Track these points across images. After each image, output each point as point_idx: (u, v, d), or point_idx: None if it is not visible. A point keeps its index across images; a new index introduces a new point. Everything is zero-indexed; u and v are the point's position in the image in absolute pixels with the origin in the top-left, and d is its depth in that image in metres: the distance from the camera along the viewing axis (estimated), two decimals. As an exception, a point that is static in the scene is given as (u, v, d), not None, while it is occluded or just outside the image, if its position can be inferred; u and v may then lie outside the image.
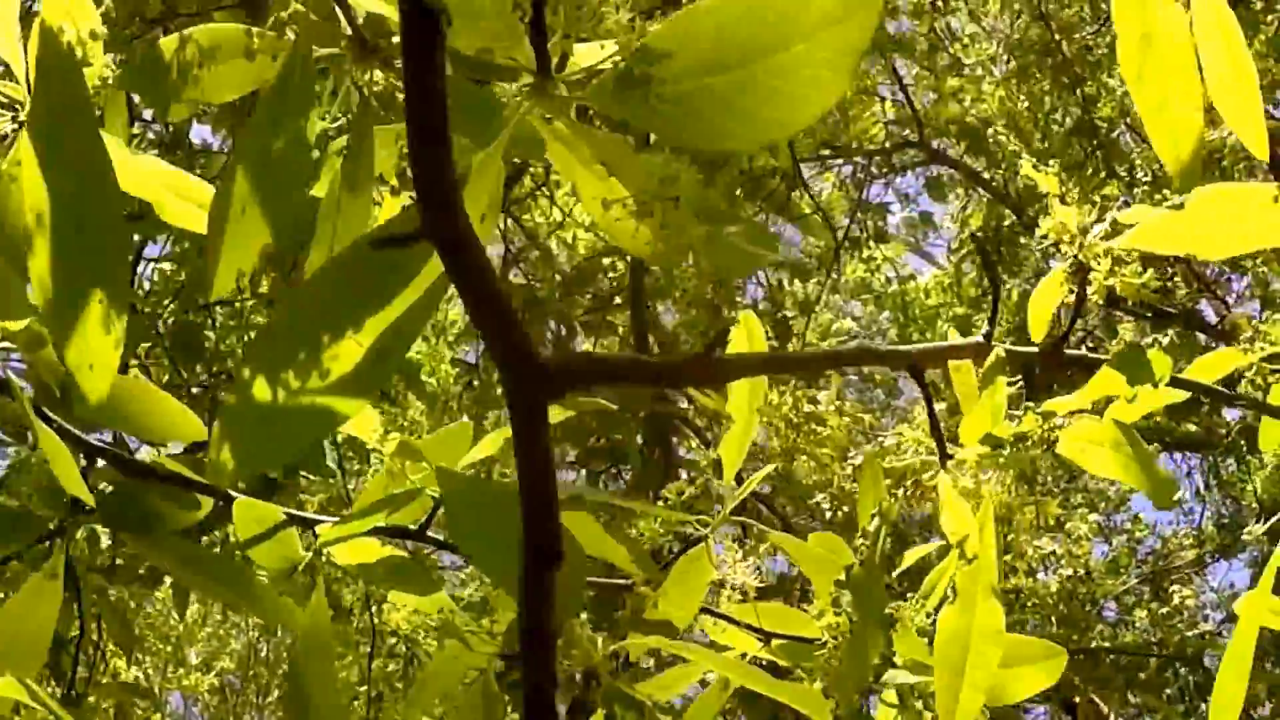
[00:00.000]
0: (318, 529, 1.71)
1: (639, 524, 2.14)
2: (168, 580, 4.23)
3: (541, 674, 1.20)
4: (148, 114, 4.70)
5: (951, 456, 1.57)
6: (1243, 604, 1.54)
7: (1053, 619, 6.86)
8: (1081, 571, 6.70)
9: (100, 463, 1.80)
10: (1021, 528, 1.80)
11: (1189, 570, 8.02)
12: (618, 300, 5.05)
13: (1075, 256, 1.59)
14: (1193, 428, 8.04)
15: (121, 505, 1.75)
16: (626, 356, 1.30)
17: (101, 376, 1.25)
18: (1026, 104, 6.43)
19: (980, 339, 1.61)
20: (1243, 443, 7.41)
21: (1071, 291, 1.63)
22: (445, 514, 1.27)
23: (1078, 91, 6.13)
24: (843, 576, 1.52)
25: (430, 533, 1.77)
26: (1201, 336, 7.15)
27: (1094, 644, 7.21)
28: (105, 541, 4.47)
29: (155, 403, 1.80)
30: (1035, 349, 1.66)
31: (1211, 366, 1.85)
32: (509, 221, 5.74)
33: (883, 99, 6.92)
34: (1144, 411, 1.78)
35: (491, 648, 1.76)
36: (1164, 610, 7.28)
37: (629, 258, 5.16)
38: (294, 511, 1.75)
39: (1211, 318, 7.24)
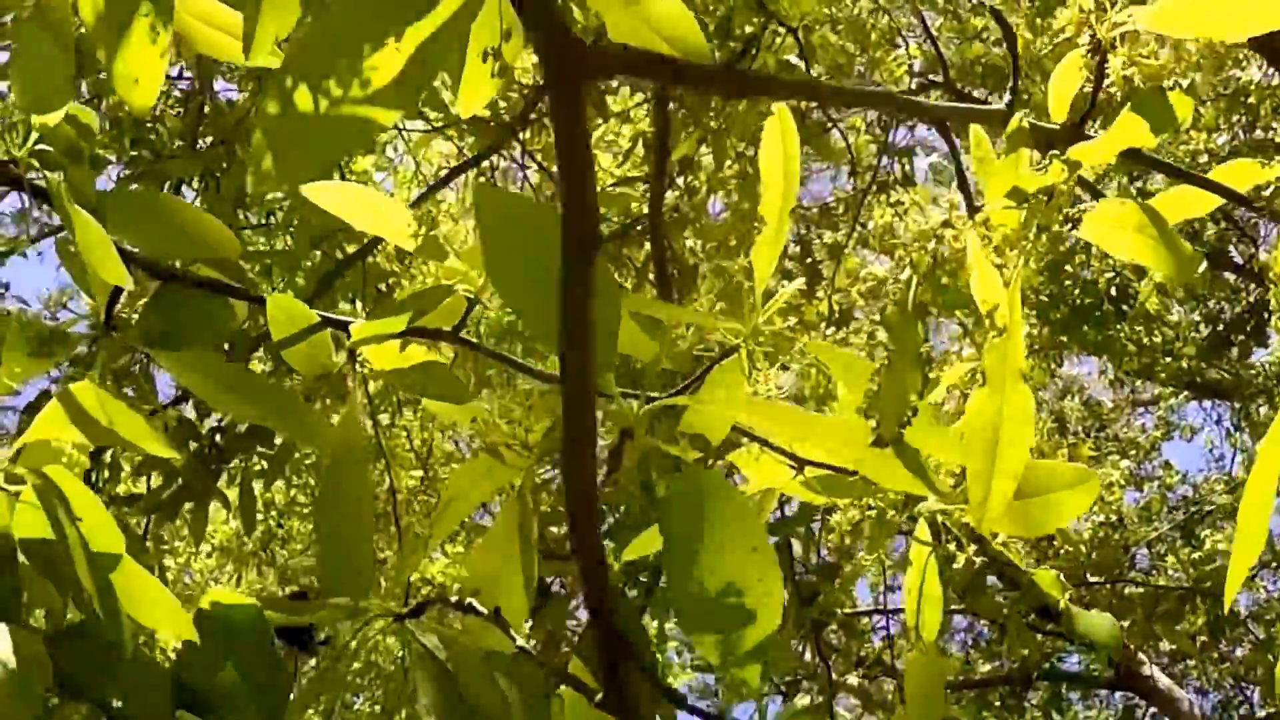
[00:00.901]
0: (351, 328, 1.71)
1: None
2: (187, 506, 4.24)
3: (583, 388, 1.19)
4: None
5: (979, 209, 1.57)
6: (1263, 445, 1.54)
7: (1085, 565, 6.84)
8: (1114, 518, 6.71)
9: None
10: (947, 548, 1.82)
11: (1220, 518, 8.00)
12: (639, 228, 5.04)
13: (1093, 35, 1.58)
14: (1220, 375, 8.03)
15: (155, 317, 1.75)
16: (656, 53, 1.29)
17: (146, 89, 1.27)
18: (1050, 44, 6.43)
19: (1004, 106, 1.60)
20: (1274, 384, 7.39)
21: (1090, 77, 1.62)
22: (480, 238, 1.26)
23: None
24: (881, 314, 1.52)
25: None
26: (1230, 276, 7.13)
27: (1126, 590, 7.19)
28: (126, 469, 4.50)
29: (190, 217, 1.81)
30: (1056, 127, 1.65)
31: (1232, 175, 1.83)
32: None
33: (907, 43, 6.91)
34: (1177, 218, 1.77)
35: (525, 460, 1.76)
36: (1196, 555, 7.25)
37: (646, 188, 5.14)
38: (328, 314, 1.75)
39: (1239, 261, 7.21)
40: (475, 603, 1.61)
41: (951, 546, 1.93)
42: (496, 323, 1.88)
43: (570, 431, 1.23)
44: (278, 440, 4.00)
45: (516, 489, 1.82)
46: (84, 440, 1.36)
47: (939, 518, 1.91)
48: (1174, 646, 7.40)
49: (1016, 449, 1.63)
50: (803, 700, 5.43)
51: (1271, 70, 6.13)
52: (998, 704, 7.34)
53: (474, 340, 1.79)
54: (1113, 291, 6.67)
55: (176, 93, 5.45)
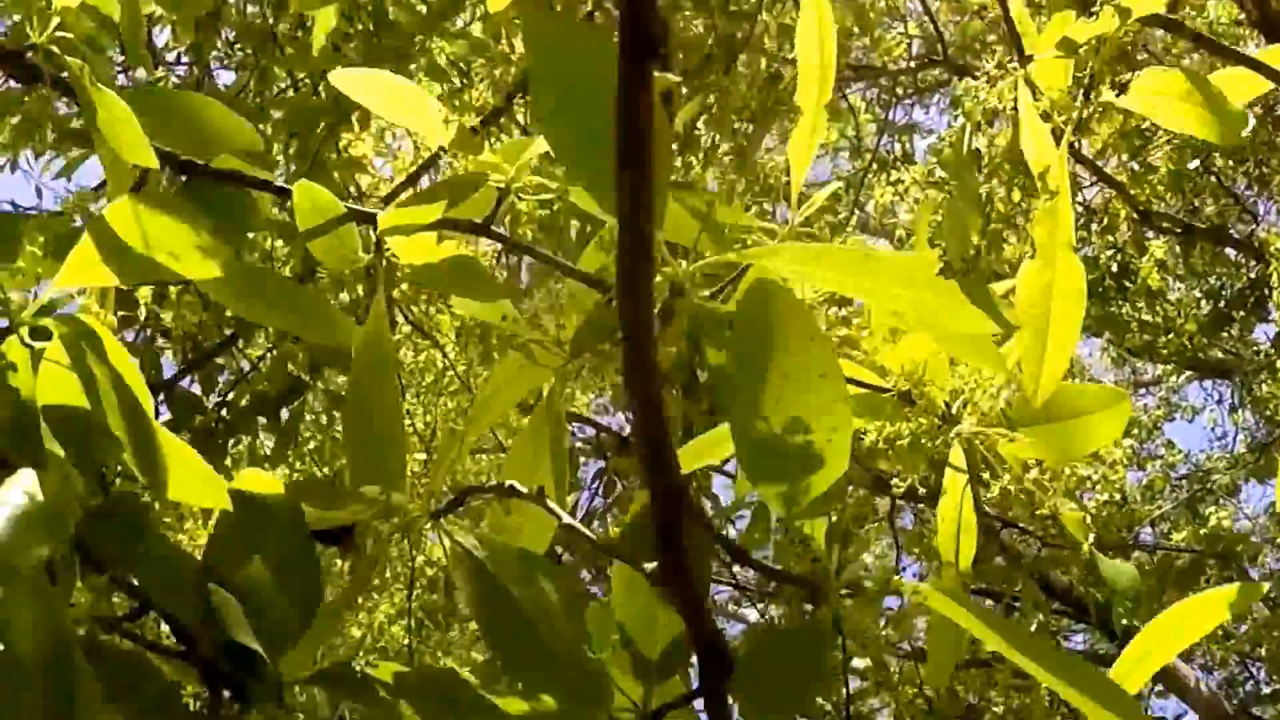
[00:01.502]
0: (379, 217, 1.67)
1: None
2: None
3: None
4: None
5: (1030, 58, 1.53)
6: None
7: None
8: (1117, 497, 6.65)
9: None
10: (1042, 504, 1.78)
11: (1222, 495, 7.99)
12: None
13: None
14: (1222, 355, 8.01)
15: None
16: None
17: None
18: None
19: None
20: (1276, 359, 7.37)
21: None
22: (528, 68, 1.21)
23: None
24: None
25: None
26: (1231, 252, 7.12)
27: (1135, 558, 7.16)
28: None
29: (213, 113, 1.78)
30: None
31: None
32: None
33: (906, 21, 6.89)
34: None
35: (558, 359, 1.72)
36: (1202, 532, 7.22)
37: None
38: (355, 206, 1.71)
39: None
40: (516, 484, 1.57)
41: (986, 475, 1.90)
42: (529, 215, 1.84)
43: (626, 258, 1.17)
44: (284, 414, 3.97)
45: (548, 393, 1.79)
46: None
47: (976, 441, 1.87)
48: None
49: (1069, 323, 1.61)
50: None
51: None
52: (1004, 683, 7.29)
53: (504, 234, 1.74)
54: (1113, 268, 6.65)
55: (174, 78, 5.41)
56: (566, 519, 1.53)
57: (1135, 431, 8.08)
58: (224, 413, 4.35)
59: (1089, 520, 1.88)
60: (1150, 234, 6.81)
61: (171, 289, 4.61)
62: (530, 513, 1.75)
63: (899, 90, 7.26)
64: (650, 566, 1.43)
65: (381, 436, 1.66)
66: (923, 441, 1.85)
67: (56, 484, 1.24)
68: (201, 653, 1.49)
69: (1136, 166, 6.38)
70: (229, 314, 4.05)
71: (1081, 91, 1.73)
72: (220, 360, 4.36)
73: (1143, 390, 8.71)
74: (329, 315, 1.66)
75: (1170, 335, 7.17)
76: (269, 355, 4.28)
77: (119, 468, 1.53)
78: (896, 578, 1.32)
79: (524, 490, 1.55)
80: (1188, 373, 8.22)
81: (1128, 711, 1.27)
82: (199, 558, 1.54)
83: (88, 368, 1.30)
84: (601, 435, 5.16)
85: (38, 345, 1.37)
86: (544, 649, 1.51)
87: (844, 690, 5.22)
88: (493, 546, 1.60)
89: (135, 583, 1.50)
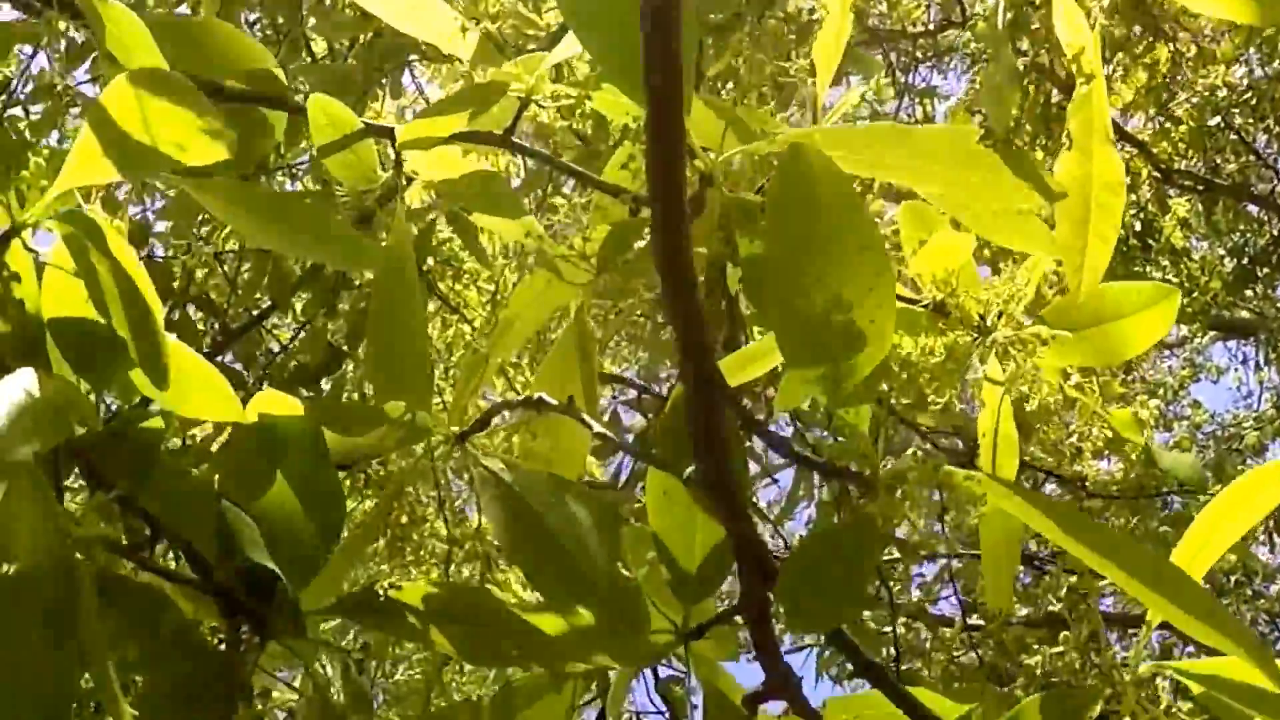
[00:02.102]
0: (398, 131, 1.61)
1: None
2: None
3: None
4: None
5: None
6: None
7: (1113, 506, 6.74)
8: (1145, 457, 6.59)
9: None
10: (1085, 412, 1.72)
11: (1249, 454, 7.91)
12: None
13: None
14: (1247, 314, 7.93)
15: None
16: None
17: None
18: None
19: None
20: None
21: None
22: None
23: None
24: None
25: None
26: (1253, 209, 7.03)
27: (1161, 529, 7.08)
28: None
29: (222, 34, 1.73)
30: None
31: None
32: None
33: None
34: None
35: (585, 275, 1.67)
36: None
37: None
38: (372, 121, 1.65)
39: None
40: (545, 396, 1.52)
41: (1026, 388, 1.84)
42: (549, 127, 1.79)
43: (657, 120, 1.12)
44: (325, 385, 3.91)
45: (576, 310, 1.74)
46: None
47: (1013, 350, 1.81)
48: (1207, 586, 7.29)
49: (1109, 214, 1.55)
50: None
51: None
52: (1035, 646, 7.24)
53: (526, 145, 1.68)
54: (1137, 226, 6.58)
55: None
56: (598, 428, 1.47)
57: (1161, 392, 8.01)
58: (264, 386, 4.30)
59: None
60: (1172, 192, 6.74)
61: (198, 269, 4.57)
62: (561, 438, 1.70)
63: (918, 54, 7.19)
64: (688, 472, 1.38)
65: (406, 358, 1.60)
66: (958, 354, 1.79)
67: (58, 384, 1.18)
68: (219, 582, 1.43)
69: (1156, 125, 6.32)
70: (263, 280, 4.00)
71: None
72: (255, 335, 4.31)
73: (1168, 351, 8.63)
74: (353, 239, 1.60)
75: (1194, 294, 7.09)
76: (305, 329, 4.24)
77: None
78: (946, 467, 1.26)
79: (554, 402, 1.49)
80: (1212, 333, 8.15)
81: (1198, 602, 1.21)
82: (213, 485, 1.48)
83: (91, 265, 1.24)
84: (642, 398, 5.10)
85: (41, 252, 1.32)
86: (576, 573, 1.45)
87: (893, 647, 5.16)
88: (519, 470, 1.54)
89: (148, 510, 1.44)
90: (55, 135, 3.00)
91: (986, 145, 1.25)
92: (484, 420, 1.55)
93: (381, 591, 1.42)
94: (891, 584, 5.62)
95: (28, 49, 3.88)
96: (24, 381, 1.15)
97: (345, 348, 4.24)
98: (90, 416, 1.26)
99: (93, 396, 1.39)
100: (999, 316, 1.73)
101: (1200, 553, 1.34)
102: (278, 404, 1.44)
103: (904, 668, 5.99)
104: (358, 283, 4.32)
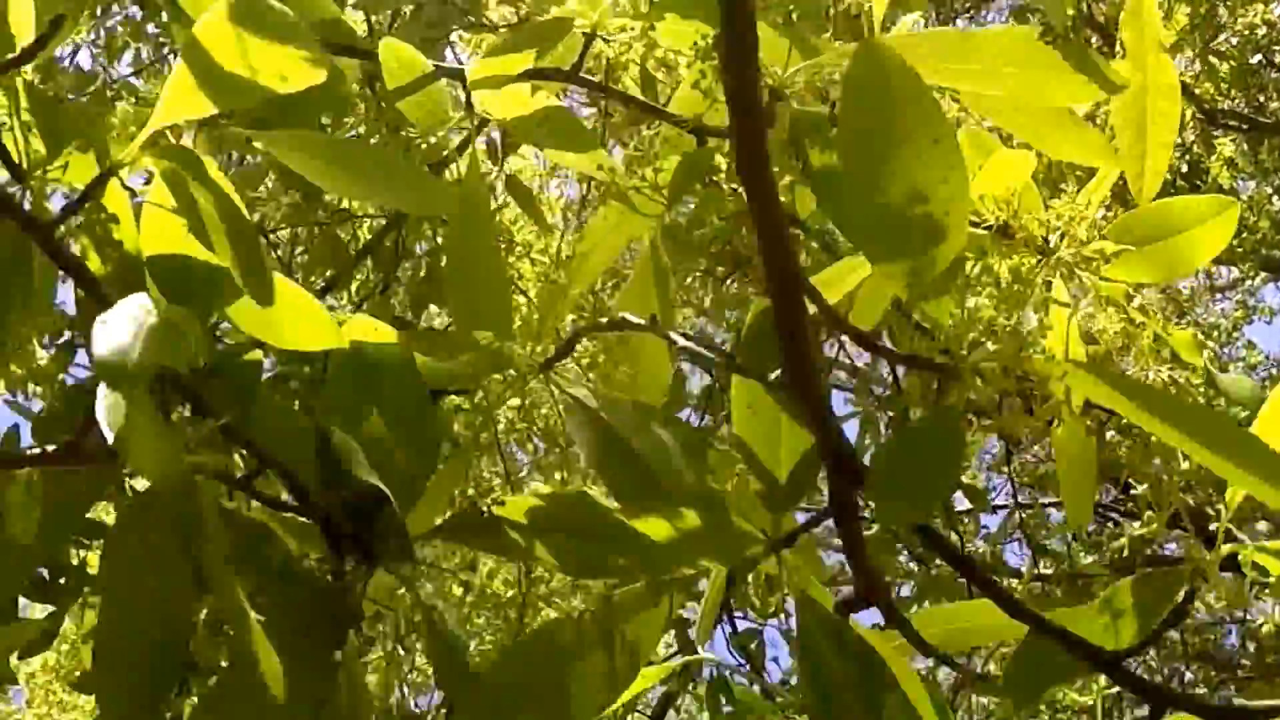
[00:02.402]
0: (468, 70, 1.65)
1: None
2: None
3: None
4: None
5: None
6: None
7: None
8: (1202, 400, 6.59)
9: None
10: (1139, 355, 1.74)
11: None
12: None
13: None
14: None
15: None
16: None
17: None
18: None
19: None
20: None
21: None
22: None
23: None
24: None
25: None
26: (1301, 146, 7.01)
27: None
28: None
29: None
30: None
31: None
32: None
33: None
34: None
35: (658, 207, 1.70)
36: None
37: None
38: (441, 64, 1.69)
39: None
40: (630, 315, 1.56)
41: (1090, 311, 1.86)
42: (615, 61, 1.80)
43: (732, 42, 1.16)
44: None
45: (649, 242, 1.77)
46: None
47: (1078, 270, 1.83)
48: (1271, 525, 7.26)
49: (1167, 120, 1.58)
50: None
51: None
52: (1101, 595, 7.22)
53: (593, 79, 1.72)
54: (1183, 168, 6.56)
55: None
56: (683, 341, 1.51)
57: (1215, 335, 7.98)
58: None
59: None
60: (1217, 133, 6.71)
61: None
62: (642, 365, 1.74)
63: (956, 4, 7.19)
64: (773, 376, 1.42)
65: (486, 294, 1.64)
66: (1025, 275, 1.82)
67: (173, 310, 1.23)
68: (323, 512, 1.47)
69: (1199, 67, 6.30)
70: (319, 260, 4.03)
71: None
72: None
73: (1220, 295, 8.60)
74: (428, 182, 1.64)
75: (1244, 234, 7.06)
76: (366, 301, 4.28)
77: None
78: (1028, 352, 1.29)
79: (639, 320, 1.53)
80: (1263, 274, 8.09)
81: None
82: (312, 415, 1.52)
83: (190, 198, 1.29)
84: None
85: (139, 190, 1.36)
86: (665, 493, 1.49)
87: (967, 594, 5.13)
88: (604, 396, 1.58)
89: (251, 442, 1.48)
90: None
91: (1047, 41, 1.29)
92: (568, 346, 1.59)
93: (485, 509, 1.46)
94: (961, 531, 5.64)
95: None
96: (140, 300, 1.19)
97: (409, 316, 4.27)
98: (201, 346, 1.30)
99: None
100: (1061, 237, 1.76)
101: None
102: (371, 331, 1.48)
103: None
104: (420, 251, 4.35)
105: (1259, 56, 6.55)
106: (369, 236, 4.60)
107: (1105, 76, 1.32)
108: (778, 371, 1.41)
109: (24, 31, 1.33)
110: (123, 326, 1.14)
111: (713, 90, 1.40)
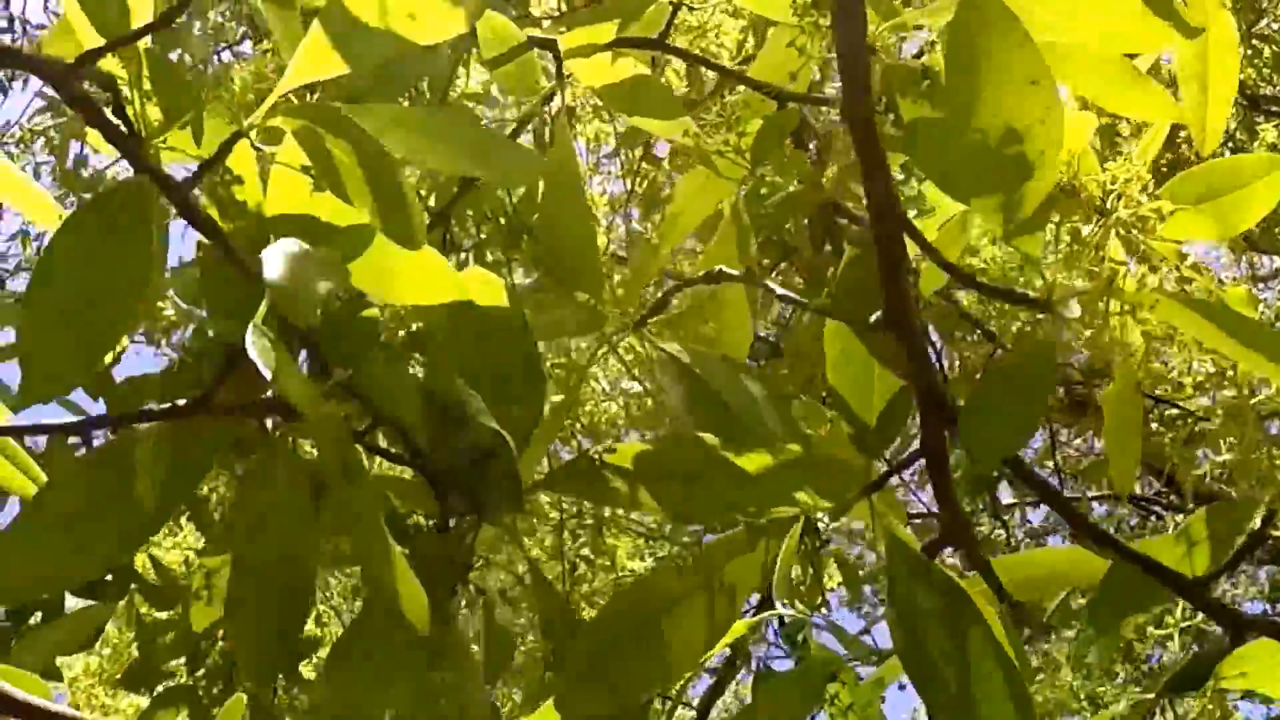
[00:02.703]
0: (560, 40, 1.71)
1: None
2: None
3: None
4: None
5: None
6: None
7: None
8: (1247, 391, 6.62)
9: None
10: (1182, 347, 1.79)
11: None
12: None
13: None
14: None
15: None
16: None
17: None
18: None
19: None
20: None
21: None
22: None
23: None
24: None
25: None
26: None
27: (1266, 464, 7.07)
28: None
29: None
30: None
31: None
32: None
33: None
34: None
35: (740, 170, 1.76)
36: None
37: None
38: (534, 33, 1.76)
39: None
40: (725, 268, 1.61)
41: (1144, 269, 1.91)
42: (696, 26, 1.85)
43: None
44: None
45: (732, 204, 1.83)
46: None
47: (1133, 233, 1.88)
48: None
49: (1227, 73, 1.63)
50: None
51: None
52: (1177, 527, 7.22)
53: (680, 48, 1.78)
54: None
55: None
56: (780, 290, 1.57)
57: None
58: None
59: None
60: (1259, 119, 6.72)
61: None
62: (728, 320, 1.80)
63: None
64: (874, 317, 1.47)
65: (579, 259, 1.69)
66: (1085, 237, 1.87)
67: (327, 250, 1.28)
68: (436, 464, 1.51)
69: (1243, 50, 6.30)
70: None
71: None
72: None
73: (1261, 285, 8.61)
74: (518, 152, 1.70)
75: (1286, 220, 7.08)
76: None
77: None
78: (1119, 283, 1.34)
79: (734, 272, 1.59)
80: (1303, 262, 8.11)
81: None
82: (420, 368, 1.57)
83: (326, 153, 1.34)
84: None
85: (268, 150, 1.42)
86: (758, 444, 1.54)
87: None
88: (695, 351, 1.64)
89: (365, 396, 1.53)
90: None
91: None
92: (663, 301, 1.65)
93: (596, 457, 1.51)
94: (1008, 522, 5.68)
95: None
96: (297, 243, 1.25)
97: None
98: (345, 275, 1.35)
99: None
100: (1118, 198, 1.82)
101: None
102: (483, 284, 1.53)
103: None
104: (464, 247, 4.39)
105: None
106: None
107: (1184, 21, 1.37)
108: (873, 315, 1.46)
109: (143, 4, 1.39)
110: (291, 259, 1.20)
111: (809, 49, 1.46)
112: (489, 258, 1.88)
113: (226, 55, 4.87)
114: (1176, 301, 1.36)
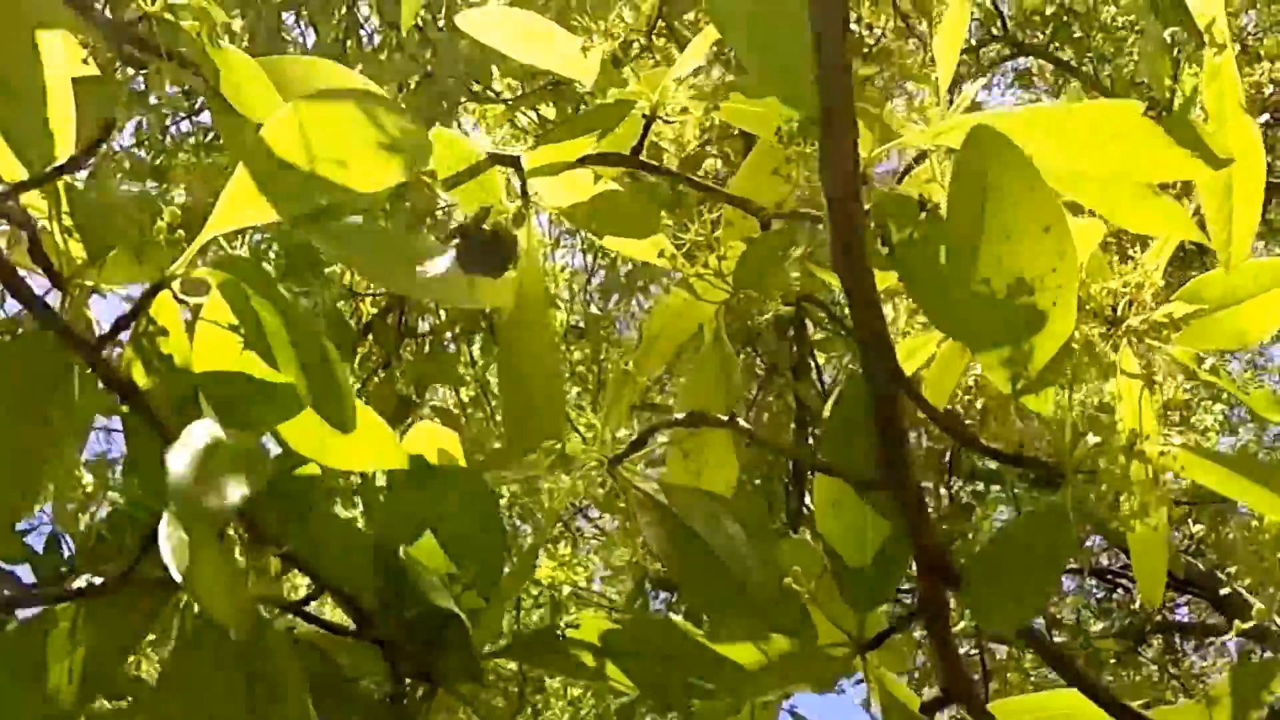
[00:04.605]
0: (524, 158, 1.58)
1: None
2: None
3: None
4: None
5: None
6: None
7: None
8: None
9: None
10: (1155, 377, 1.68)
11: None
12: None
13: None
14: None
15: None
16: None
17: None
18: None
19: None
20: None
21: None
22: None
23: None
24: None
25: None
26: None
27: (1231, 536, 7.00)
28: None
29: (322, 72, 1.70)
30: None
31: None
32: None
33: None
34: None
35: (721, 293, 1.64)
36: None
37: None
38: (496, 150, 1.62)
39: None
40: (706, 413, 1.49)
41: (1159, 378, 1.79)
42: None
43: (830, 128, 1.09)
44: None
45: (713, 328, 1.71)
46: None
47: (1147, 342, 1.76)
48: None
49: (1252, 180, 1.52)
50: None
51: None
52: (1112, 661, 7.16)
53: (655, 164, 1.65)
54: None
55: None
56: (762, 438, 1.44)
57: (1225, 397, 7.92)
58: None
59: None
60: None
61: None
62: (710, 455, 1.68)
63: (960, 69, 7.17)
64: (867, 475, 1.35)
65: (540, 398, 1.58)
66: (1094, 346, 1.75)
67: (239, 434, 1.15)
68: (384, 633, 1.39)
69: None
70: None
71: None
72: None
73: (1229, 354, 8.54)
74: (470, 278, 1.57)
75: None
76: (369, 380, 4.24)
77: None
78: (1138, 445, 1.22)
79: (719, 417, 1.47)
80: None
81: None
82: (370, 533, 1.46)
83: (253, 313, 1.21)
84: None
85: (192, 302, 1.29)
86: (739, 588, 1.43)
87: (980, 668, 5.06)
88: (675, 490, 1.52)
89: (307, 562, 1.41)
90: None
91: (1150, 115, 1.22)
92: (641, 441, 1.53)
93: (560, 630, 1.39)
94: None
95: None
96: (208, 427, 1.11)
97: (414, 397, 4.23)
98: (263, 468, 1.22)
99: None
100: (1129, 305, 1.70)
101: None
102: (433, 439, 1.42)
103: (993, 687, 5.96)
104: (420, 331, 4.29)
105: (1265, 116, 6.51)
106: (373, 312, 4.55)
107: (1210, 150, 1.25)
108: (863, 467, 1.35)
109: (65, 136, 1.26)
110: (196, 460, 1.06)
111: (793, 176, 1.34)
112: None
113: (185, 125, 4.75)
114: (1200, 457, 1.23)
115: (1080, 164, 1.31)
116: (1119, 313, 1.70)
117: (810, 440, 3.94)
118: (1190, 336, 1.69)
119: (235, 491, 1.04)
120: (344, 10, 4.17)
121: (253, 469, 1.07)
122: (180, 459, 1.05)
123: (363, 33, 4.79)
